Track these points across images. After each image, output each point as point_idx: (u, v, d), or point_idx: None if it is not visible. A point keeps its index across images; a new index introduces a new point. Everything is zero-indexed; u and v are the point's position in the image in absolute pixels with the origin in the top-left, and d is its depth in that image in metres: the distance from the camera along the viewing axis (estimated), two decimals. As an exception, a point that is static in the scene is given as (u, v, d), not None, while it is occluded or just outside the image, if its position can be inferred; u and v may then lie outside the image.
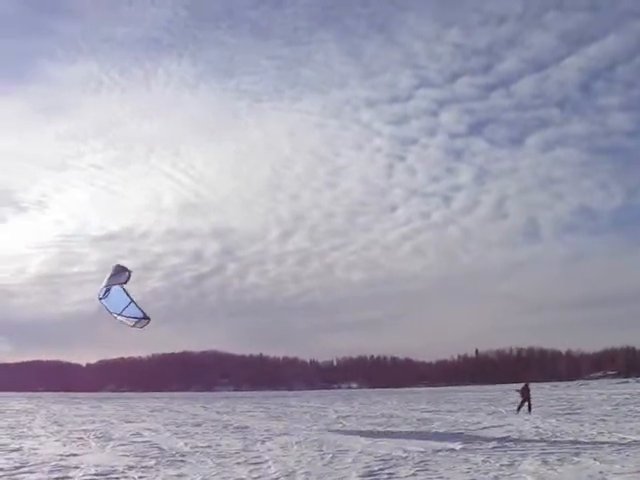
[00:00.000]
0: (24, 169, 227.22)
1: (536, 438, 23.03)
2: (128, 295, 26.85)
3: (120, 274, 26.42)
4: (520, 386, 41.66)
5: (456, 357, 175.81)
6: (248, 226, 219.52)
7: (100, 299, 27.52)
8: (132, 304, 27.07)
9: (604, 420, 30.79)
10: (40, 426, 34.49)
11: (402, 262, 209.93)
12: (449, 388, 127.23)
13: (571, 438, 22.57)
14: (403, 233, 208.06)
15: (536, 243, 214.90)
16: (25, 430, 31.66)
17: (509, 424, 30.27)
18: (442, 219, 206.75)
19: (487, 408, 45.56)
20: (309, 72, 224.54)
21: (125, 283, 26.54)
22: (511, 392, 43.89)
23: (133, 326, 28.18)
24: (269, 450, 21.36)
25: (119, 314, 27.75)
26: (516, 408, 39.88)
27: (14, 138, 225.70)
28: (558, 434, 24.20)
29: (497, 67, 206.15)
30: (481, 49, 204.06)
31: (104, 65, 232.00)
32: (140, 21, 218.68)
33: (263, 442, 24.07)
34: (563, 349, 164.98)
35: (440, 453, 19.52)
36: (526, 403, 39.81)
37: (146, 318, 27.49)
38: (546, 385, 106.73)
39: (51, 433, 29.78)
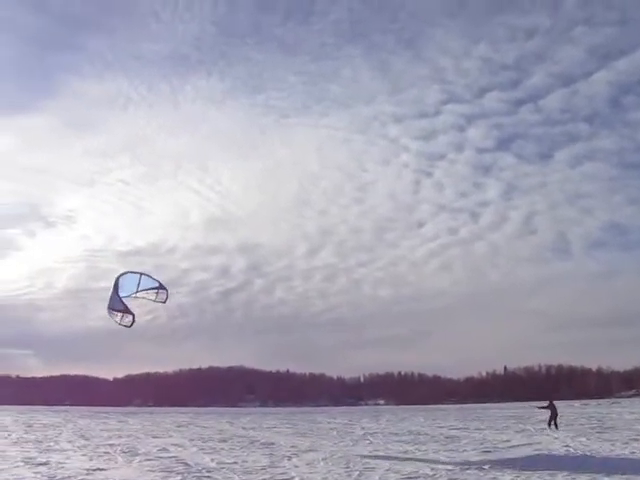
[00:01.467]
0: (52, 184, 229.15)
1: (566, 457, 22.70)
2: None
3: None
4: (543, 403, 42.26)
5: (484, 374, 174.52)
6: (275, 242, 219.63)
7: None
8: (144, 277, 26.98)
9: (637, 440, 30.13)
10: (67, 440, 34.62)
11: (429, 278, 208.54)
12: (477, 405, 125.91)
13: (602, 458, 22.19)
14: (430, 249, 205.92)
15: (565, 259, 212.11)
16: (52, 444, 31.79)
17: (538, 442, 29.87)
18: (470, 235, 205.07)
19: (515, 426, 45.05)
20: (336, 88, 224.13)
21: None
22: (540, 410, 43.37)
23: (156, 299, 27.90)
24: (295, 467, 21.25)
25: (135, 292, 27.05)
26: (547, 424, 40.09)
27: (43, 153, 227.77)
28: (588, 453, 23.81)
29: (525, 82, 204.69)
30: (509, 64, 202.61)
31: (132, 81, 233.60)
32: (168, 37, 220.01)
33: (289, 458, 23.95)
34: (593, 366, 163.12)
35: (468, 471, 19.30)
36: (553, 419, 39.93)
37: (163, 288, 27.61)
38: (576, 403, 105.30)
39: (78, 447, 29.87)
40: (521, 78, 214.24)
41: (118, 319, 24.95)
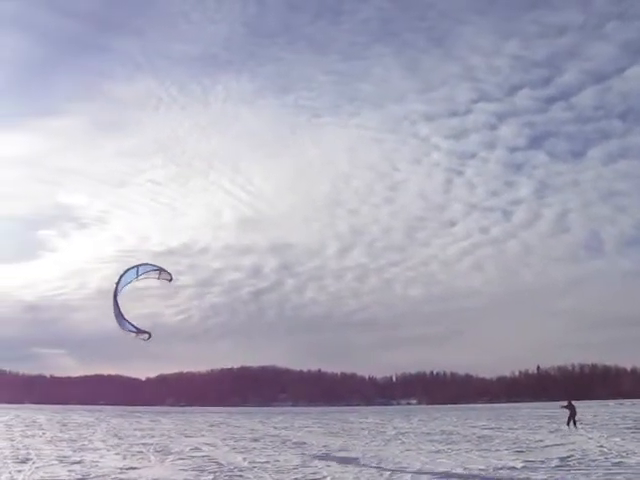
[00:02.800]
0: (85, 185, 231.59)
1: (600, 457, 22.42)
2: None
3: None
4: (563, 403, 43.43)
5: (517, 373, 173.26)
6: (307, 241, 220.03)
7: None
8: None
9: (672, 439, 29.85)
10: (101, 439, 34.88)
11: (461, 277, 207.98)
12: (510, 405, 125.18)
13: (638, 458, 21.90)
14: (462, 248, 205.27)
15: (598, 257, 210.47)
16: (86, 443, 32.05)
17: (572, 442, 29.58)
18: (502, 234, 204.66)
19: (549, 425, 44.66)
20: (367, 87, 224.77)
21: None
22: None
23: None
24: (327, 466, 21.23)
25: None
26: (566, 423, 41.09)
27: (75, 155, 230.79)
28: (624, 454, 23.48)
29: (557, 79, 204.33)
30: (541, 61, 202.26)
31: (163, 82, 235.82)
32: (198, 38, 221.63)
33: (321, 458, 23.94)
34: (628, 366, 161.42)
35: (501, 471, 19.17)
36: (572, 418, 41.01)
37: (164, 270, 26.02)
38: (610, 402, 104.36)
39: (111, 446, 30.08)
40: (553, 75, 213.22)
41: (133, 336, 24.84)
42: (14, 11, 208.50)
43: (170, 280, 24.98)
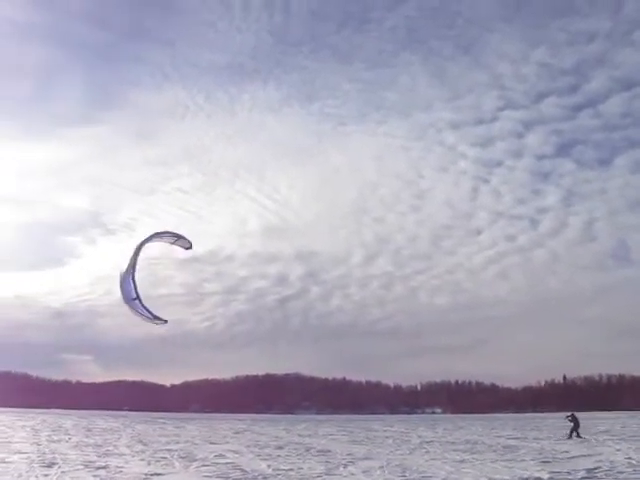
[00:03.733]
0: (113, 193, 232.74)
1: (628, 470, 22.15)
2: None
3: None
4: (569, 414, 44.26)
5: (543, 383, 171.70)
6: (332, 249, 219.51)
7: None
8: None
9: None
10: (125, 445, 35.07)
11: (487, 286, 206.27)
12: (535, 414, 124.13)
13: (666, 470, 21.63)
14: (488, 257, 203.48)
15: (626, 266, 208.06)
16: (111, 448, 32.23)
17: (599, 453, 29.25)
18: (528, 242, 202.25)
19: (575, 436, 44.28)
20: (393, 95, 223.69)
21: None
22: (599, 420, 42.97)
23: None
24: (351, 474, 21.19)
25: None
26: (569, 434, 41.69)
27: (104, 163, 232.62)
28: (652, 465, 23.23)
29: (585, 87, 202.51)
30: (568, 69, 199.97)
31: (190, 91, 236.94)
32: (225, 47, 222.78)
33: (345, 466, 23.89)
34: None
35: (527, 482, 19.03)
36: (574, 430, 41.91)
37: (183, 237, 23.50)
38: (639, 414, 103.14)
39: (136, 452, 30.22)
40: (580, 83, 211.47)
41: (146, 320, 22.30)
42: (45, 22, 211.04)
43: (188, 248, 23.04)
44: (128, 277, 20.79)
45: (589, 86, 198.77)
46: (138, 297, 20.62)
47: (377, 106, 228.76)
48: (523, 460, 26.28)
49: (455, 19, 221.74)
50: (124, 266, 21.20)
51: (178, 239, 21.63)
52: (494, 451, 31.75)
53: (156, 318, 21.14)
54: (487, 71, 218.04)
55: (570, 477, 19.79)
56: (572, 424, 42.51)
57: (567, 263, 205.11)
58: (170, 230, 21.77)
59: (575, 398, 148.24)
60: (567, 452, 30.41)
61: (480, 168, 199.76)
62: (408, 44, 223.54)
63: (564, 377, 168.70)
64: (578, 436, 41.12)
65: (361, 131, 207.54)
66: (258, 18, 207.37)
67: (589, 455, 28.55)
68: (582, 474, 20.54)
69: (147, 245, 21.01)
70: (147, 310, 20.68)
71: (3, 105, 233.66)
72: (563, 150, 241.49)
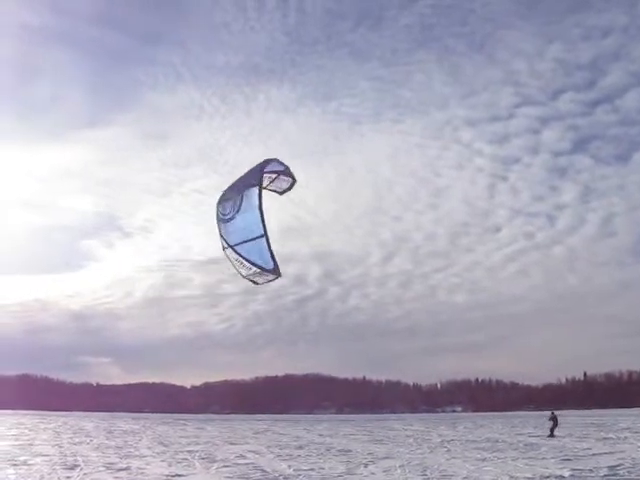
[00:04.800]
0: (129, 195, 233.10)
1: (651, 466, 22.02)
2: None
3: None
4: (549, 414, 45.39)
5: (564, 380, 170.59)
6: (350, 249, 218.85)
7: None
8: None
9: None
10: (146, 446, 35.21)
11: (506, 283, 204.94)
12: (557, 412, 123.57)
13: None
14: (507, 254, 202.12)
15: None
16: (132, 450, 32.37)
17: (621, 451, 29.06)
18: (547, 239, 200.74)
19: (597, 434, 43.95)
20: (409, 93, 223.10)
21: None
22: (621, 417, 42.80)
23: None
24: (372, 474, 21.18)
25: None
26: (549, 434, 42.21)
27: (119, 165, 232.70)
28: (675, 462, 23.04)
29: (601, 82, 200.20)
30: (584, 64, 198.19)
31: (205, 92, 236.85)
32: (240, 48, 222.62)
33: (366, 465, 23.88)
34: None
35: (548, 480, 18.94)
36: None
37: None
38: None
39: (157, 453, 30.36)
40: (596, 78, 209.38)
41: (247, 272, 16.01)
42: (59, 26, 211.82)
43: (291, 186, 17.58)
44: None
45: (605, 81, 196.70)
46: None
47: (393, 104, 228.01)
48: (544, 458, 26.18)
49: (469, 16, 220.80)
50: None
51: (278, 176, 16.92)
52: (515, 449, 31.64)
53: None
54: (502, 68, 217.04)
55: (592, 475, 19.69)
56: (552, 422, 43.20)
57: (586, 260, 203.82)
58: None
59: (596, 395, 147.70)
60: (589, 449, 30.26)
61: (497, 165, 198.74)
62: (423, 42, 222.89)
63: (585, 374, 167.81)
64: (551, 435, 41.64)
65: (377, 130, 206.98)
66: (272, 18, 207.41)
67: (611, 453, 28.38)
68: (604, 472, 20.43)
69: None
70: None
71: (19, 108, 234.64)
72: (580, 146, 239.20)
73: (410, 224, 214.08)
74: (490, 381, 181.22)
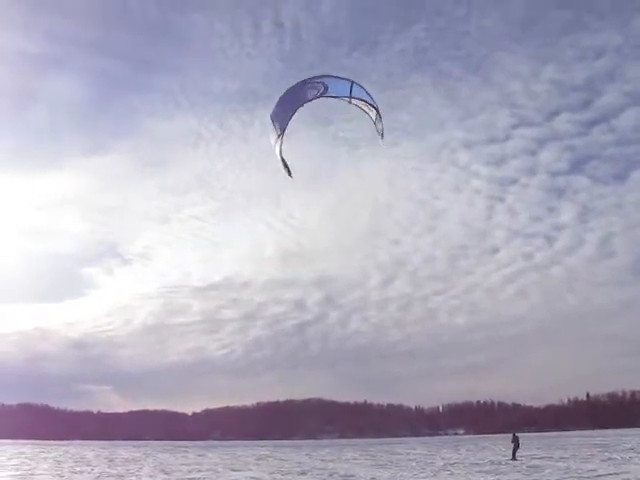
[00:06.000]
0: (128, 222, 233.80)
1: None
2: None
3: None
4: (511, 437, 43.97)
5: (566, 401, 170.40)
6: (349, 273, 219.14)
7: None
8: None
9: None
10: (148, 474, 34.98)
11: (506, 305, 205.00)
12: (560, 433, 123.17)
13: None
14: (506, 275, 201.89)
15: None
16: (134, 478, 32.19)
17: (626, 472, 28.90)
18: (546, 260, 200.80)
19: (601, 454, 43.71)
20: (405, 116, 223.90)
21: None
22: (625, 437, 42.55)
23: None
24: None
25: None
26: (512, 456, 41.64)
27: (118, 192, 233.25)
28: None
29: (596, 102, 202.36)
30: (579, 85, 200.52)
31: (202, 119, 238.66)
32: (236, 73, 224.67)
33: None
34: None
35: (554, 502, 18.82)
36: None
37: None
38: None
39: (159, 482, 30.17)
40: (592, 98, 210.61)
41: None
42: (57, 53, 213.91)
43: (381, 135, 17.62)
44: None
45: (601, 101, 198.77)
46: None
47: (390, 128, 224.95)
48: (549, 480, 26.03)
49: (464, 39, 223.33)
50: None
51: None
52: (519, 471, 31.48)
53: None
54: (498, 90, 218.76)
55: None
56: (513, 445, 42.90)
57: (585, 280, 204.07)
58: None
59: (599, 415, 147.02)
60: (594, 470, 30.09)
61: (494, 187, 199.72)
62: (418, 65, 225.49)
63: (587, 394, 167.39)
64: (513, 458, 41.26)
65: (374, 153, 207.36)
66: (268, 44, 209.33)
67: (615, 473, 28.23)
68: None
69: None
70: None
71: (17, 136, 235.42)
72: (577, 166, 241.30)
73: (409, 247, 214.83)
74: (492, 403, 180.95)
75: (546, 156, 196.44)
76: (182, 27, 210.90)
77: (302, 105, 18.01)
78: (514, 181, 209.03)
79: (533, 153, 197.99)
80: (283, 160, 18.52)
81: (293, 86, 18.05)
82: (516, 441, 42.80)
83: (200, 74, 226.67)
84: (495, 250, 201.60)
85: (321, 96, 18.07)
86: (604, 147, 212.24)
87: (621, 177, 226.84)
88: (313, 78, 17.83)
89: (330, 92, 18.22)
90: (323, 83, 18.00)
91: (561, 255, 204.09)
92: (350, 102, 18.38)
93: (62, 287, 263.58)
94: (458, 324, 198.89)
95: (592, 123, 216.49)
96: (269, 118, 18.35)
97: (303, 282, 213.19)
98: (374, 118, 18.37)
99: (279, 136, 18.53)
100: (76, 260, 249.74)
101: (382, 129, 18.51)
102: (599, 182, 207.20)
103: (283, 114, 18.24)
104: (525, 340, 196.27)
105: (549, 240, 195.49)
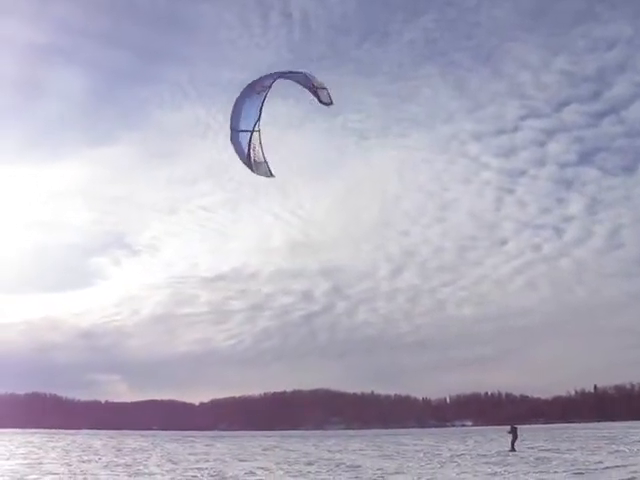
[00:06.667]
0: (136, 213, 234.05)
1: (664, 479, 21.79)
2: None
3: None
4: (508, 428, 44.36)
5: (573, 393, 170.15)
6: (357, 264, 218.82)
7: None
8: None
9: None
10: (155, 464, 35.07)
11: (514, 296, 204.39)
12: (567, 425, 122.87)
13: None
14: (514, 267, 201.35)
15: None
16: (141, 468, 32.24)
17: (633, 464, 28.76)
18: (554, 251, 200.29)
19: (608, 447, 43.55)
20: (415, 107, 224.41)
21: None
22: (632, 429, 42.47)
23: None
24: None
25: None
26: (510, 448, 41.74)
27: (126, 183, 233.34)
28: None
29: (607, 93, 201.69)
30: (590, 75, 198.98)
31: (210, 109, 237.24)
32: (245, 64, 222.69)
33: (376, 481, 23.75)
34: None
35: (560, 494, 18.77)
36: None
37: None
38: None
39: (166, 471, 30.22)
40: (602, 89, 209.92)
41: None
42: (66, 45, 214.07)
43: (327, 103, 17.23)
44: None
45: (611, 92, 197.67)
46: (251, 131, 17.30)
47: (399, 119, 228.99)
48: (556, 472, 25.96)
49: (474, 29, 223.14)
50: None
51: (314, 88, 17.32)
52: (526, 463, 31.41)
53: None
54: (508, 80, 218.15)
55: (604, 488, 19.50)
56: (511, 436, 42.94)
57: (594, 271, 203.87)
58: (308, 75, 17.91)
59: (607, 408, 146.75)
60: (601, 463, 29.98)
61: (504, 178, 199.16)
62: (428, 56, 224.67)
63: (595, 387, 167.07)
64: (512, 449, 41.37)
65: (383, 144, 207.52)
66: (277, 34, 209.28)
67: (623, 466, 28.11)
68: (617, 485, 20.23)
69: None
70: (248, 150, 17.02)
71: (26, 127, 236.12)
72: (586, 158, 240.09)
73: (418, 238, 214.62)
74: (499, 394, 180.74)
75: (555, 147, 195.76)
76: (190, 18, 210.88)
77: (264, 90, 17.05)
78: (523, 172, 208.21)
79: (542, 144, 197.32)
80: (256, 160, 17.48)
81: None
82: (514, 432, 42.83)
83: (208, 65, 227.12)
84: (504, 241, 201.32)
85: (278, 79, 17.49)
86: (613, 139, 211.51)
87: (630, 169, 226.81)
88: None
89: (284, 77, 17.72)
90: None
91: (570, 247, 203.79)
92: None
93: (70, 277, 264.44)
94: (466, 315, 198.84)
95: (602, 114, 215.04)
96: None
97: (311, 273, 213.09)
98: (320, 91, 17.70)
99: (251, 131, 17.34)
100: (84, 250, 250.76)
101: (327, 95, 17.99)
102: (608, 174, 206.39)
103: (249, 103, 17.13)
104: (533, 332, 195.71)
105: (558, 232, 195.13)
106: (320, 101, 18.24)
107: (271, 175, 18.25)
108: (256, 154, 17.66)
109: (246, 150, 17.65)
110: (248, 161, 17.75)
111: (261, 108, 17.79)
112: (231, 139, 17.94)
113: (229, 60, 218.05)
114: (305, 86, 18.00)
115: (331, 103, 18.34)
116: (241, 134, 17.78)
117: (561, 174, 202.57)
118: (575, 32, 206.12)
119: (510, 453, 39.76)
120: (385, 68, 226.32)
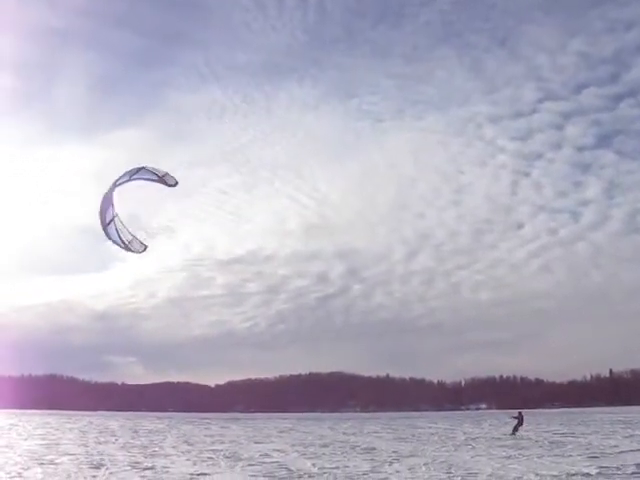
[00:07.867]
0: (152, 195, 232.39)
1: (679, 463, 21.78)
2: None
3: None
4: (515, 413, 44.61)
5: (589, 377, 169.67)
6: (373, 246, 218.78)
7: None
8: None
9: None
10: (171, 445, 35.35)
11: (530, 280, 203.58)
12: (582, 409, 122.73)
13: None
14: (530, 251, 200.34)
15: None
16: (157, 449, 32.49)
17: (648, 448, 28.84)
18: (571, 235, 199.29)
19: (623, 431, 43.57)
20: (431, 89, 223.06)
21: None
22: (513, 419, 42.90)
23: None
24: (397, 472, 21.11)
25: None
26: (512, 431, 42.00)
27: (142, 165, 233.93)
28: (703, 459, 22.78)
29: (624, 76, 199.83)
30: (607, 58, 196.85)
31: (226, 91, 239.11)
32: (260, 47, 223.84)
33: (391, 464, 23.81)
34: None
35: (574, 477, 18.79)
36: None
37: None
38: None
39: (182, 452, 30.44)
40: (620, 72, 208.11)
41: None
42: (83, 29, 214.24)
43: (174, 185, 19.17)
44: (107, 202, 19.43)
45: (629, 75, 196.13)
46: (112, 220, 19.56)
47: (414, 101, 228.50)
48: (570, 455, 25.98)
49: (490, 11, 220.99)
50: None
51: (160, 178, 19.10)
52: (540, 447, 31.45)
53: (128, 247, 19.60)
54: (524, 63, 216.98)
55: (619, 472, 19.50)
56: (517, 421, 42.88)
57: (611, 256, 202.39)
58: (148, 168, 20.08)
59: (622, 392, 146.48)
60: (616, 447, 30.00)
61: (520, 161, 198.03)
62: (444, 38, 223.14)
63: (610, 371, 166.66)
64: (514, 432, 41.62)
65: (399, 127, 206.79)
66: (292, 17, 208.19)
67: (638, 450, 28.14)
68: (632, 469, 20.23)
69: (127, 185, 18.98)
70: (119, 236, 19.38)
71: (44, 111, 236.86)
72: (604, 141, 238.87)
73: (433, 221, 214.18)
74: (515, 378, 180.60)
75: (572, 130, 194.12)
76: (206, 1, 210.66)
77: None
78: (539, 156, 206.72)
79: (559, 127, 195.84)
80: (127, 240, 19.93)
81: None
82: (520, 418, 42.74)
83: (225, 47, 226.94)
84: (520, 225, 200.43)
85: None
86: (632, 121, 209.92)
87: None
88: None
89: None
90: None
91: (586, 231, 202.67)
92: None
93: (87, 260, 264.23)
94: (482, 299, 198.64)
95: (620, 97, 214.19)
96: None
97: (326, 255, 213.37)
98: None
99: (112, 219, 20.13)
100: (101, 233, 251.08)
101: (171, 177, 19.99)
102: (626, 157, 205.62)
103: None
104: (549, 316, 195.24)
105: (574, 215, 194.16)
106: (169, 185, 20.02)
107: (145, 247, 20.11)
108: (124, 235, 19.58)
109: (117, 237, 19.59)
110: (123, 244, 19.63)
111: (112, 201, 19.72)
112: (106, 235, 19.72)
113: (245, 42, 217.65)
114: (150, 179, 19.82)
115: (177, 183, 20.48)
116: (109, 227, 19.56)
117: (578, 157, 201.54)
118: (592, 13, 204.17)
119: (510, 436, 40.28)
120: (400, 50, 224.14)
